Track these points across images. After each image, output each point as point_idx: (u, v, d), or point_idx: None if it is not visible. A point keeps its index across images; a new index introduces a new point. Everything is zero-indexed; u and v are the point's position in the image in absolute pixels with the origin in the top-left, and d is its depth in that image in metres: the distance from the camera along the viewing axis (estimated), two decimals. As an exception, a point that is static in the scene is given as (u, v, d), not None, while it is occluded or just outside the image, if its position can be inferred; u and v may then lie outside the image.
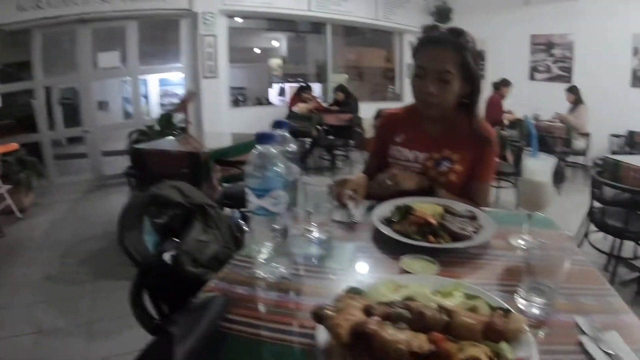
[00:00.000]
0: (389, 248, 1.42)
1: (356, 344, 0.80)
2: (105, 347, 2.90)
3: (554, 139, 7.34)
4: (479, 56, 1.88)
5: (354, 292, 0.98)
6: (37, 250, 4.64)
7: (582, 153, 7.64)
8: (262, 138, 1.15)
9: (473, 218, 1.58)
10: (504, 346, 0.83)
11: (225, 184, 4.59)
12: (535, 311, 1.10)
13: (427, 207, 1.59)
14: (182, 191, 1.86)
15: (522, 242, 1.47)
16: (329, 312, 0.86)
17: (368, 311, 0.88)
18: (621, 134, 7.68)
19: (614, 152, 7.41)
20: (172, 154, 4.50)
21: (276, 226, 1.18)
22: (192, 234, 1.73)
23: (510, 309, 0.95)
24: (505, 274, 1.31)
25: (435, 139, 1.96)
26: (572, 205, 5.13)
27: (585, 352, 0.95)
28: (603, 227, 3.78)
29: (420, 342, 0.76)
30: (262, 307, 1.13)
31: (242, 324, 1.03)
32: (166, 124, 6.47)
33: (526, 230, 1.48)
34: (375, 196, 1.80)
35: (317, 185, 1.43)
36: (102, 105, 10.06)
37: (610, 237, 3.92)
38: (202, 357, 0.89)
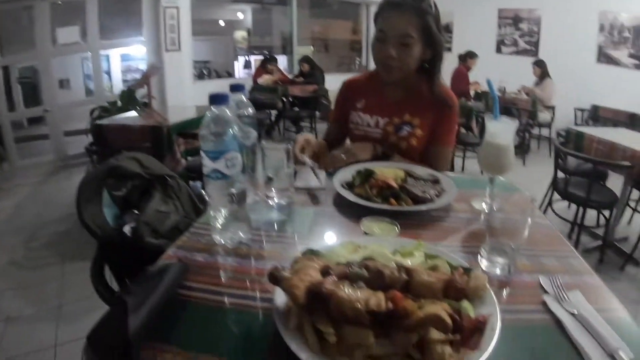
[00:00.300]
0: (351, 212, 1.38)
1: (313, 305, 0.76)
2: (77, 329, 2.77)
3: (520, 111, 7.41)
4: (441, 23, 1.84)
5: (311, 253, 0.94)
6: (0, 236, 4.48)
7: (547, 125, 7.77)
8: (216, 99, 1.09)
9: (435, 182, 1.56)
10: (465, 304, 0.80)
11: (189, 158, 4.53)
12: (498, 271, 1.08)
13: (388, 172, 1.56)
14: (140, 162, 1.80)
15: (485, 206, 1.45)
16: (285, 274, 0.81)
17: (325, 272, 0.84)
18: (585, 108, 7.81)
19: (577, 125, 7.54)
20: (133, 129, 4.37)
21: (232, 190, 1.13)
22: (151, 205, 1.67)
23: (471, 267, 0.93)
24: (467, 237, 1.29)
25: (396, 104, 1.94)
26: (536, 176, 5.23)
27: (549, 311, 0.94)
28: (566, 196, 3.84)
29: (378, 300, 0.73)
30: (221, 274, 1.08)
31: (201, 291, 0.99)
32: (128, 99, 6.28)
33: (489, 194, 1.47)
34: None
35: (276, 150, 1.38)
36: (63, 84, 9.68)
37: (573, 207, 4.00)
38: (160, 325, 0.85)
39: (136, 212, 1.67)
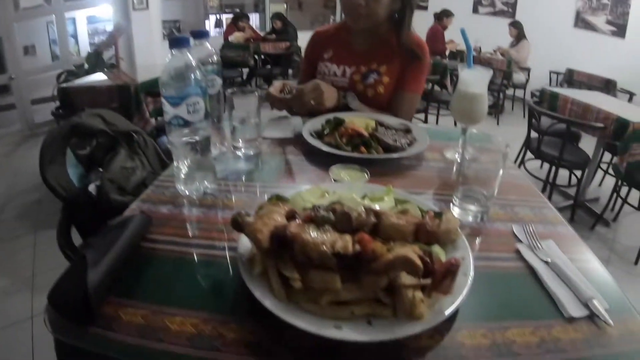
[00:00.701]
0: (320, 160, 1.34)
1: (278, 250, 0.72)
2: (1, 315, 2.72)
3: (495, 72, 7.32)
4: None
5: (277, 199, 0.89)
6: (-31, 210, 4.28)
7: (522, 87, 7.75)
8: (176, 42, 1.01)
9: (407, 131, 1.51)
10: (436, 249, 0.77)
11: (158, 117, 4.41)
12: (470, 219, 1.05)
13: (359, 121, 1.51)
14: (104, 119, 1.73)
15: (458, 156, 1.43)
16: (248, 219, 0.77)
17: (291, 216, 0.79)
18: (560, 71, 7.79)
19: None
20: (101, 89, 4.21)
21: (195, 138, 1.06)
22: (116, 162, 1.62)
23: (443, 212, 0.89)
24: (439, 185, 1.27)
25: (364, 53, 1.89)
26: (510, 136, 5.23)
27: (522, 259, 0.92)
28: (539, 155, 3.86)
29: (345, 242, 0.69)
30: (186, 225, 1.04)
31: (165, 243, 0.94)
32: (95, 61, 6.05)
33: (461, 145, 1.43)
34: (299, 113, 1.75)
35: (243, 99, 1.31)
36: (29, 50, 9.20)
37: (545, 166, 4.03)
38: (123, 279, 0.81)
39: (101, 170, 1.61)
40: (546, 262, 0.89)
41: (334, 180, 1.14)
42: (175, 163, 1.11)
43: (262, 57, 8.47)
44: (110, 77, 4.77)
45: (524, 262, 0.91)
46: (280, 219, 0.76)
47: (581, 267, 0.89)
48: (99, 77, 4.82)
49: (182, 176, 1.12)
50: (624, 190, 3.68)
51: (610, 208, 3.88)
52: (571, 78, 7.30)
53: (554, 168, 3.82)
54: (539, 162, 4.21)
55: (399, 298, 0.68)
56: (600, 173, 4.44)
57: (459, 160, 1.41)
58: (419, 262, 0.65)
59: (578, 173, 3.95)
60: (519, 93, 7.80)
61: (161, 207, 1.08)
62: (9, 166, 5.55)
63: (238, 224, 0.77)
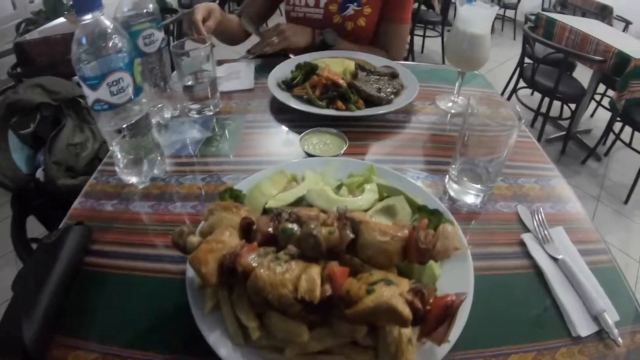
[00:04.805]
0: (289, 119, 1.14)
1: (231, 280, 0.56)
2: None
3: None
4: None
5: (230, 196, 0.71)
6: None
7: (513, 7, 7.37)
8: (81, 5, 0.75)
9: (393, 76, 1.29)
10: (429, 271, 0.61)
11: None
12: (469, 200, 0.88)
13: (335, 63, 1.29)
14: (45, 88, 1.50)
15: (452, 105, 1.23)
16: (192, 240, 0.59)
17: (247, 228, 0.61)
18: (554, -8, 7.45)
19: (544, 10, 7.25)
20: (56, 40, 3.73)
21: (129, 121, 0.84)
22: (61, 139, 1.42)
23: (440, 209, 0.71)
24: (432, 147, 1.09)
25: None
26: (499, 59, 5.02)
27: (528, 254, 0.78)
28: (533, 85, 3.64)
29: (311, 281, 0.51)
30: (133, 226, 0.85)
31: (110, 256, 0.79)
32: (54, 5, 5.53)
33: (457, 91, 1.24)
34: (263, 56, 1.49)
35: (192, 50, 1.08)
36: None
37: (536, 94, 3.82)
38: (67, 309, 0.69)
39: (48, 150, 1.42)
40: (555, 260, 0.76)
41: (305, 152, 0.94)
42: (111, 148, 0.90)
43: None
44: (72, 20, 4.33)
45: (530, 259, 0.77)
46: (231, 239, 0.59)
47: (591, 261, 0.77)
48: (60, 23, 4.38)
49: (121, 163, 0.91)
50: (617, 125, 3.52)
51: (602, 142, 3.73)
52: (565, 1, 6.96)
53: (546, 99, 3.62)
54: (528, 89, 3.99)
55: (382, 339, 0.53)
56: (592, 104, 4.25)
57: (453, 110, 1.22)
58: (406, 311, 0.48)
59: (571, 105, 3.76)
60: (509, 13, 7.45)
61: (105, 203, 0.90)
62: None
63: (181, 248, 0.61)
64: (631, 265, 2.67)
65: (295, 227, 0.59)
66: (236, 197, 0.72)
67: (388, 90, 1.20)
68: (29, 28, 4.99)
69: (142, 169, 0.92)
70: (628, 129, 3.38)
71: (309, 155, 0.93)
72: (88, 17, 0.74)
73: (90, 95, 0.78)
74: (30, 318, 0.63)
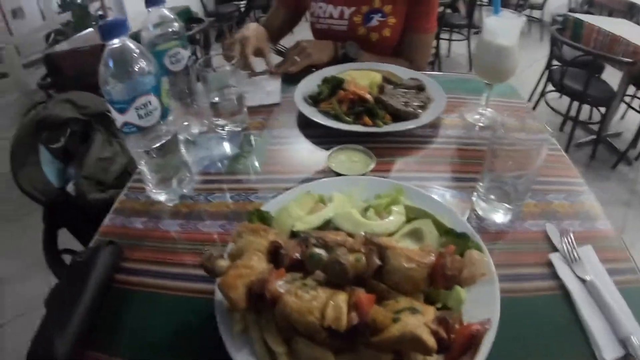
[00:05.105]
0: (317, 135, 1.15)
1: (259, 304, 0.57)
2: (19, 301, 2.56)
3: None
4: None
5: (258, 218, 0.72)
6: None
7: (539, 7, 7.26)
8: (107, 31, 0.76)
9: (419, 89, 1.27)
10: (456, 295, 0.60)
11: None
12: (497, 219, 0.87)
13: (361, 76, 1.29)
14: (74, 103, 1.53)
15: (480, 118, 1.22)
16: (220, 265, 0.60)
17: (275, 252, 0.62)
18: (581, -9, 7.32)
19: (571, 10, 7.12)
20: (85, 51, 3.75)
21: (156, 143, 0.87)
22: (91, 154, 1.46)
23: (467, 231, 0.71)
24: (460, 163, 1.08)
25: None
26: (526, 62, 4.92)
27: (556, 276, 0.76)
28: (562, 88, 3.57)
29: (337, 309, 0.52)
30: (162, 245, 0.87)
31: (139, 274, 0.81)
32: (82, 16, 5.63)
33: (485, 103, 1.22)
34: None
35: (219, 67, 1.10)
36: (17, 13, 8.58)
37: (564, 97, 3.75)
38: (97, 326, 0.71)
39: (79, 163, 1.46)
40: (583, 280, 0.74)
41: (333, 171, 0.94)
42: (140, 168, 0.93)
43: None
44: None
45: (557, 279, 0.76)
46: (259, 264, 0.60)
47: (619, 281, 0.75)
48: (88, 33, 4.46)
49: (151, 183, 0.94)
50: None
51: (633, 146, 3.64)
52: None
53: (575, 102, 3.55)
54: (556, 92, 3.92)
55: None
56: (622, 106, 4.16)
57: (480, 123, 1.21)
58: (431, 341, 0.49)
59: (601, 108, 3.67)
60: (536, 13, 7.33)
61: (135, 221, 0.92)
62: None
63: (211, 272, 0.62)
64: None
65: (322, 252, 0.59)
66: (264, 218, 0.73)
67: (415, 104, 1.19)
68: (58, 39, 5.12)
69: (170, 188, 0.94)
70: (660, 132, 3.30)
71: (337, 173, 0.94)
72: (115, 42, 0.76)
73: (119, 119, 0.80)
74: (62, 335, 0.65)
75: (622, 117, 4.28)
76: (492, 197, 0.86)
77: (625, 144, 3.62)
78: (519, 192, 0.84)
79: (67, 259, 1.46)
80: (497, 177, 0.85)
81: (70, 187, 1.41)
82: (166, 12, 1.04)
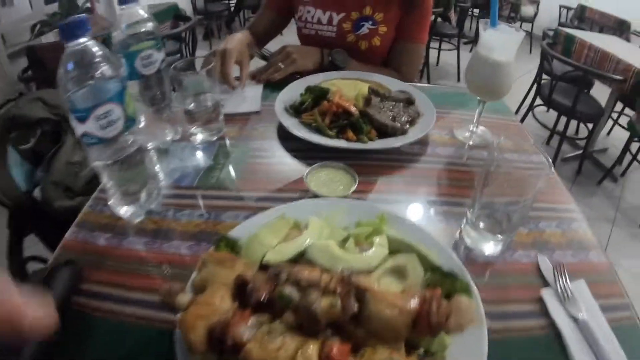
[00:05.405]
0: (297, 148, 1.08)
1: (221, 350, 0.50)
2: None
3: (501, 3, 6.95)
4: None
5: (226, 245, 0.65)
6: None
7: (530, 20, 7.31)
8: (68, 31, 0.68)
9: (409, 102, 1.21)
10: (439, 339, 0.55)
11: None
12: (487, 250, 0.81)
13: (347, 86, 1.22)
14: (45, 102, 1.46)
15: (471, 136, 1.17)
16: (181, 300, 0.53)
17: (241, 287, 0.55)
18: (572, 6, 7.32)
19: (561, 24, 7.18)
20: None
21: (120, 156, 0.79)
22: (60, 157, 1.38)
23: (456, 268, 0.65)
24: (449, 185, 1.02)
25: None
26: (515, 73, 4.89)
27: (547, 313, 0.71)
28: (550, 103, 3.54)
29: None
30: (125, 266, 0.78)
31: (100, 298, 0.72)
32: (68, 7, 5.47)
33: (477, 120, 1.17)
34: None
35: (193, 72, 1.03)
36: (5, 1, 8.37)
37: (551, 111, 3.73)
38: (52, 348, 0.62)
39: (47, 166, 1.39)
40: (575, 319, 0.70)
41: (311, 191, 0.87)
42: (102, 181, 0.85)
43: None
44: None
45: (549, 318, 0.70)
46: (224, 300, 0.53)
47: (612, 318, 0.70)
48: None
49: (114, 197, 0.85)
50: (634, 145, 3.43)
51: (618, 162, 3.65)
52: (582, 15, 6.88)
53: (564, 117, 3.54)
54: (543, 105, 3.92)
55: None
56: (609, 121, 4.16)
57: (471, 143, 1.15)
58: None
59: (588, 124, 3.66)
60: (526, 26, 7.36)
61: (98, 236, 0.84)
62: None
63: (170, 306, 0.56)
64: (647, 295, 2.57)
65: (293, 292, 0.53)
66: (232, 246, 0.66)
67: (403, 118, 1.13)
68: (43, 30, 4.97)
69: (136, 202, 0.86)
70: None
71: (315, 195, 0.87)
72: (76, 43, 0.69)
73: (78, 128, 0.72)
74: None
75: (608, 133, 4.30)
76: (482, 225, 0.80)
77: (611, 160, 3.63)
78: (513, 222, 0.78)
79: (35, 266, 1.39)
80: (489, 204, 0.79)
81: (37, 193, 1.33)
82: (140, 10, 0.95)
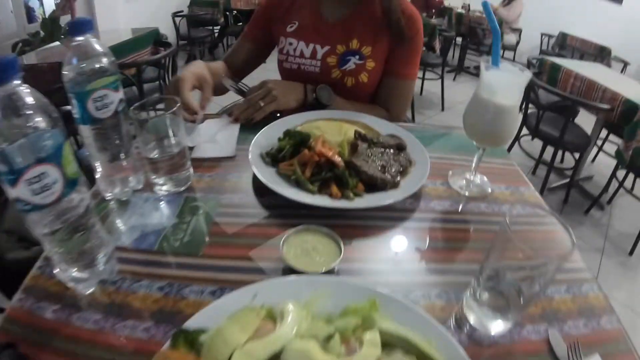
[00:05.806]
0: (274, 205, 0.96)
1: None
2: None
3: (484, 31, 7.05)
4: None
5: (185, 341, 0.53)
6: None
7: (512, 49, 7.41)
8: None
9: (399, 148, 1.10)
10: None
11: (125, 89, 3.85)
12: (492, 329, 0.70)
13: (331, 129, 1.11)
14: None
15: (468, 186, 1.07)
16: None
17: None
18: (553, 34, 7.43)
19: (542, 52, 7.27)
20: (42, 68, 3.50)
21: (59, 224, 0.65)
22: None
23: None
24: (446, 248, 0.90)
25: (340, 25, 1.44)
26: (519, 117, 4.89)
27: None
28: (537, 133, 3.48)
29: None
30: (72, 347, 0.65)
31: None
32: (51, 28, 5.34)
33: (475, 168, 1.06)
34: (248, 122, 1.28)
35: (155, 117, 0.91)
36: None
37: (537, 140, 3.68)
38: None
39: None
40: None
41: (288, 265, 0.74)
42: (47, 248, 0.70)
43: (234, 13, 7.72)
44: (68, 45, 4.19)
45: None
46: None
47: None
48: (55, 46, 4.23)
49: (60, 266, 0.72)
50: (620, 172, 3.40)
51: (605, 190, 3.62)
52: (564, 42, 7.03)
53: (548, 145, 3.51)
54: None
55: None
56: (594, 149, 4.15)
57: (467, 194, 1.05)
58: None
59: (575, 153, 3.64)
60: (508, 55, 7.46)
61: (45, 308, 0.70)
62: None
63: None
64: (637, 323, 2.51)
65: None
66: (192, 343, 0.54)
67: (394, 169, 1.01)
68: (25, 49, 4.83)
69: (88, 269, 0.73)
70: (630, 175, 3.29)
71: (292, 270, 0.74)
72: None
73: (9, 192, 0.59)
74: None
75: (593, 160, 4.30)
76: (488, 300, 0.69)
77: (597, 188, 3.63)
78: (525, 297, 0.66)
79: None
80: (493, 273, 0.67)
81: (-12, 241, 1.19)
82: (94, 43, 0.82)
